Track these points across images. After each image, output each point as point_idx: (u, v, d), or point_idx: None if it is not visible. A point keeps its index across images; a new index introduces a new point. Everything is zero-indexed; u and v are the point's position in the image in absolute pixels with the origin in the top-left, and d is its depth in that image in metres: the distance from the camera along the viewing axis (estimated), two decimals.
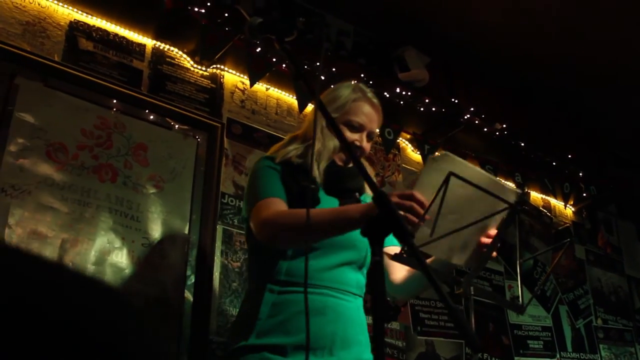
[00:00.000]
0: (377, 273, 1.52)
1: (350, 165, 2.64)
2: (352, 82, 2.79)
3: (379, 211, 1.59)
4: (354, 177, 2.61)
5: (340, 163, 2.61)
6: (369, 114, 2.65)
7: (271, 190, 2.44)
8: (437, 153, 4.55)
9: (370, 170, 2.74)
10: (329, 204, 2.46)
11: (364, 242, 2.44)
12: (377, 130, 2.75)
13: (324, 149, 2.56)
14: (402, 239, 1.59)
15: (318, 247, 2.38)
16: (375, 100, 2.71)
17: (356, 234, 2.41)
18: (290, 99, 4.38)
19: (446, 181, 1.87)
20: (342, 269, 2.42)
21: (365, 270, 2.54)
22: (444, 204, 1.88)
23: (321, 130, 2.58)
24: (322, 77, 4.17)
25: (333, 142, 2.57)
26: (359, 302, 2.49)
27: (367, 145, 2.66)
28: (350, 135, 2.59)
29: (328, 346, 2.28)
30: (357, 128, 2.61)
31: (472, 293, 2.20)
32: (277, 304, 2.33)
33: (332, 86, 2.84)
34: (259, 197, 2.43)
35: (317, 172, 2.52)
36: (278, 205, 2.39)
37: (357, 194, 2.63)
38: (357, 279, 2.49)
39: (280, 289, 2.36)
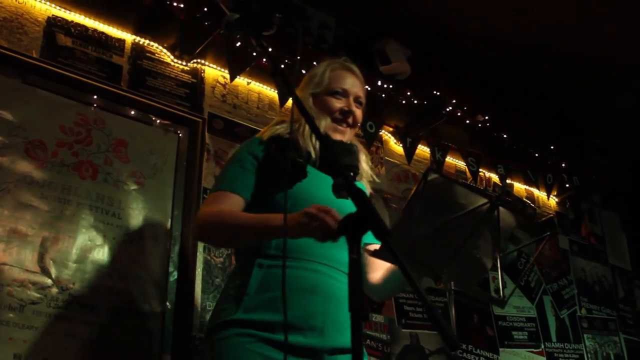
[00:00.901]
0: (354, 272, 1.51)
1: (348, 141, 2.62)
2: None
3: (357, 209, 1.58)
4: (348, 153, 2.57)
5: (338, 137, 2.57)
6: (349, 80, 2.64)
7: (231, 183, 2.41)
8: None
9: (364, 154, 2.72)
10: (317, 179, 2.42)
11: None
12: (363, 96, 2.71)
13: (317, 123, 2.51)
14: (380, 237, 1.58)
15: None
16: (353, 67, 2.69)
17: (345, 208, 2.40)
18: (271, 92, 4.37)
19: (424, 177, 1.87)
20: (333, 245, 2.26)
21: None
22: (427, 213, 1.87)
23: (310, 106, 2.57)
24: (303, 71, 4.15)
25: (324, 119, 2.56)
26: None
27: (358, 112, 2.63)
28: (337, 103, 2.57)
29: (319, 327, 2.22)
30: (342, 93, 2.59)
31: (453, 287, 2.20)
32: (266, 279, 2.25)
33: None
34: (216, 187, 2.47)
35: (311, 147, 2.48)
36: (228, 201, 2.37)
37: (351, 173, 2.57)
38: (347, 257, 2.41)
39: (269, 263, 2.28)
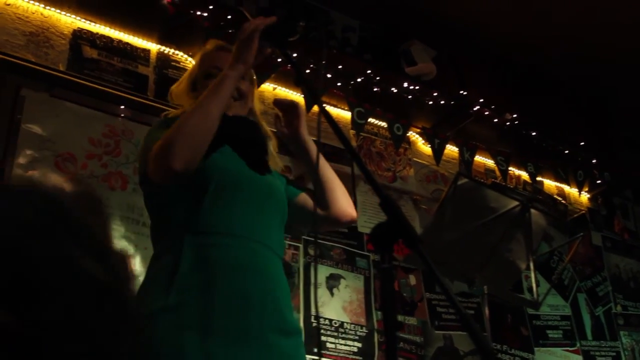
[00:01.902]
0: (387, 282, 1.50)
1: (248, 116, 2.42)
2: None
3: (387, 217, 1.56)
4: (246, 129, 2.35)
5: (233, 112, 2.34)
6: (219, 54, 2.44)
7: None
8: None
9: (272, 139, 2.47)
10: (227, 154, 2.23)
11: (281, 193, 2.31)
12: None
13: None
14: (411, 245, 1.56)
15: (234, 193, 2.15)
16: (222, 44, 2.50)
17: (273, 183, 2.30)
18: (298, 97, 4.36)
19: (454, 182, 1.85)
20: (266, 222, 2.20)
21: (282, 228, 2.32)
22: (458, 218, 1.86)
23: (191, 88, 2.42)
24: (329, 75, 4.15)
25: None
26: (281, 264, 2.24)
27: (244, 85, 2.38)
28: None
29: (259, 306, 2.03)
30: (215, 72, 2.33)
31: (486, 292, 2.18)
32: (199, 258, 2.03)
33: None
34: (150, 147, 2.11)
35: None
36: None
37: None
38: (280, 237, 2.28)
39: (201, 240, 2.06)
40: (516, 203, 2.07)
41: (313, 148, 2.39)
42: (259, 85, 4.02)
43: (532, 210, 2.11)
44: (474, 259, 2.17)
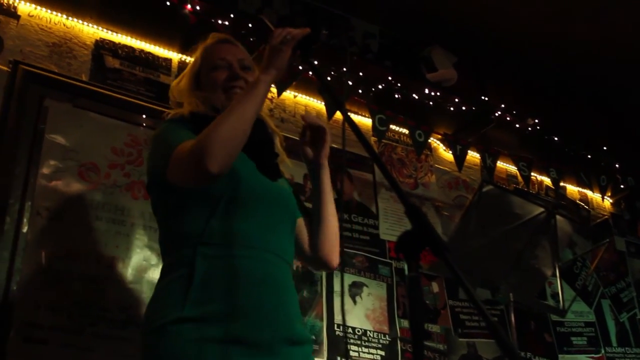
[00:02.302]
0: (414, 289, 1.49)
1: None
2: None
3: (412, 225, 1.56)
4: (258, 127, 2.29)
5: None
6: (225, 47, 2.46)
7: (185, 136, 2.13)
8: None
9: (278, 136, 2.48)
10: (242, 162, 2.20)
11: (292, 199, 2.32)
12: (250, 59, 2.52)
13: (213, 99, 2.35)
14: (438, 254, 1.55)
15: (248, 202, 2.14)
16: (226, 37, 2.54)
17: (284, 190, 2.31)
18: (319, 104, 4.37)
19: (479, 189, 1.85)
20: (279, 231, 2.21)
21: (294, 234, 2.34)
22: (483, 225, 1.85)
23: (194, 84, 2.43)
24: (350, 83, 4.16)
25: (217, 96, 2.36)
26: (290, 272, 2.25)
27: (248, 76, 2.40)
28: (221, 75, 2.37)
29: (272, 318, 2.04)
30: (223, 64, 2.39)
31: (512, 299, 2.16)
32: (212, 270, 2.03)
33: None
34: (173, 147, 2.09)
35: None
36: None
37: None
38: (290, 245, 2.29)
39: (214, 252, 2.06)
40: (541, 209, 2.06)
41: (327, 179, 2.41)
42: (280, 94, 4.04)
43: (558, 217, 2.09)
44: (500, 266, 2.16)
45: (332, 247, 2.43)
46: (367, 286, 4.06)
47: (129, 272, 3.24)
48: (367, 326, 3.94)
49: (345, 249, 4.08)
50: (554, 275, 2.21)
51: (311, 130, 2.38)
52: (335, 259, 2.45)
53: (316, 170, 2.39)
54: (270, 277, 2.11)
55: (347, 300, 3.95)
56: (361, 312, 3.97)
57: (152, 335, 2.02)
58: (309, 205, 2.55)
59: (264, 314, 2.02)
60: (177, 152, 2.06)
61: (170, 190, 2.14)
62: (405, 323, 4.07)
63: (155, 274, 3.28)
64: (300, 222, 2.47)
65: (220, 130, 1.97)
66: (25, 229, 3.06)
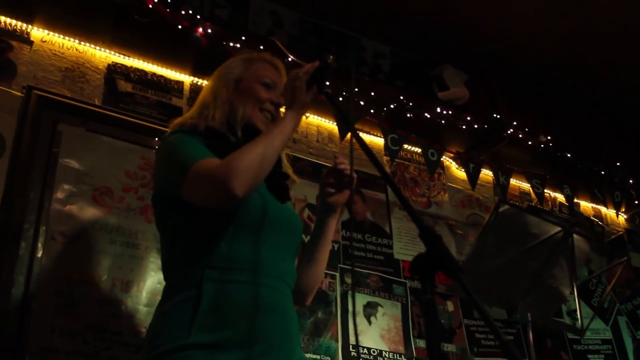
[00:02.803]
0: (430, 312, 1.48)
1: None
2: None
3: (427, 248, 1.55)
4: None
5: (263, 128, 2.33)
6: (277, 74, 2.46)
7: (202, 153, 2.10)
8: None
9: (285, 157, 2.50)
10: None
11: (299, 224, 2.32)
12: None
13: (241, 109, 2.33)
14: (452, 276, 1.55)
15: (257, 227, 2.12)
16: (277, 61, 2.53)
17: (291, 216, 2.30)
18: (330, 125, 4.37)
19: (496, 209, 1.84)
20: (285, 256, 2.21)
21: (296, 257, 2.33)
22: (500, 245, 1.84)
23: (230, 92, 2.39)
24: (362, 103, 4.16)
25: (248, 105, 2.35)
26: (291, 295, 2.23)
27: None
28: (265, 93, 2.37)
29: (277, 344, 2.02)
30: (271, 85, 2.39)
31: (530, 319, 2.15)
32: (220, 295, 2.00)
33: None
34: (189, 163, 2.04)
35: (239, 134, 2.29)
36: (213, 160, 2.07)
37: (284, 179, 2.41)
38: (293, 267, 2.29)
39: (221, 277, 2.03)
40: (558, 229, 2.05)
41: (333, 226, 2.41)
42: None
43: (575, 235, 2.08)
44: (517, 286, 2.14)
45: (311, 288, 2.43)
46: (381, 306, 4.04)
47: (143, 296, 3.24)
48: (383, 346, 3.92)
49: (359, 269, 4.07)
50: (572, 293, 2.19)
51: (337, 173, 2.36)
52: (309, 299, 2.46)
53: (327, 213, 2.38)
54: (279, 303, 2.11)
55: (362, 320, 3.93)
56: (376, 332, 3.95)
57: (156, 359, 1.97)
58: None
59: (270, 341, 2.01)
60: (195, 169, 2.02)
61: (179, 206, 2.10)
62: (421, 343, 4.04)
63: None
64: None
65: (250, 157, 1.97)
66: (39, 254, 3.07)
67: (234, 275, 2.04)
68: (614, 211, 5.64)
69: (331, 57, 2.13)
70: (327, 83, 2.20)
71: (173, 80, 3.91)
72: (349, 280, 3.96)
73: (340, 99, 3.99)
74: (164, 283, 3.22)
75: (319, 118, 4.34)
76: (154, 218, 2.30)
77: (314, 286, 2.44)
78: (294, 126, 2.13)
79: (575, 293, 2.17)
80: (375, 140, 4.53)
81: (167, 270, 2.22)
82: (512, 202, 4.68)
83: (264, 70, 2.43)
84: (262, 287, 2.07)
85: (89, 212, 3.26)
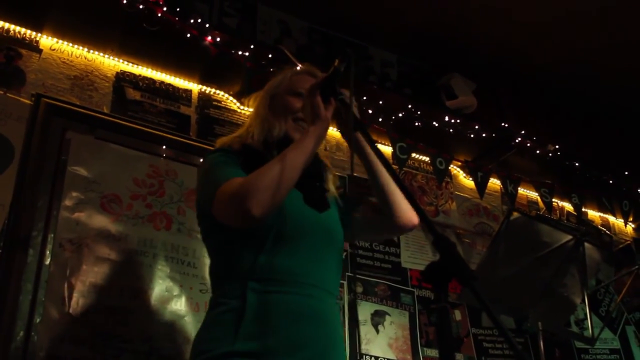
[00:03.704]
0: (443, 320, 1.47)
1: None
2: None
3: (440, 255, 1.54)
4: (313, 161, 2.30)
5: (297, 136, 2.31)
6: (307, 80, 2.40)
7: (232, 173, 2.14)
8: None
9: (329, 170, 2.48)
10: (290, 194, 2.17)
11: (338, 230, 2.30)
12: None
13: (276, 124, 2.34)
14: (465, 283, 1.54)
15: (294, 238, 2.15)
16: (312, 68, 2.51)
17: (331, 220, 2.30)
18: (337, 134, 4.36)
19: (507, 217, 1.83)
20: (326, 264, 2.22)
21: (340, 265, 2.33)
22: (511, 253, 1.83)
23: (268, 105, 2.42)
24: (370, 111, 4.16)
25: (283, 120, 2.35)
26: (336, 304, 2.26)
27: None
28: (298, 103, 2.35)
29: (321, 352, 2.05)
30: (302, 92, 2.34)
31: (541, 328, 2.14)
32: (262, 305, 2.04)
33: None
34: (219, 183, 2.10)
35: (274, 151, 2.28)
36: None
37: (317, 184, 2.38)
38: (337, 277, 2.29)
39: (263, 288, 2.07)
40: (570, 237, 2.04)
41: (366, 148, 2.36)
42: None
43: (586, 244, 2.07)
44: (528, 294, 2.13)
45: (405, 204, 2.40)
46: (389, 315, 4.03)
47: (151, 303, 3.23)
48: (390, 355, 3.91)
49: (367, 278, 4.07)
50: (583, 303, 2.18)
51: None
52: (413, 214, 2.42)
53: (350, 141, 2.36)
54: (321, 313, 2.13)
55: (370, 329, 3.92)
56: (384, 341, 3.94)
57: None
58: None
59: (312, 350, 2.03)
60: (221, 190, 2.06)
61: (218, 225, 2.14)
62: (429, 352, 4.03)
63: (177, 304, 3.28)
64: (364, 208, 2.49)
65: (268, 176, 1.99)
66: (48, 261, 3.07)
67: (275, 286, 2.07)
68: (622, 220, 5.62)
69: (337, 60, 2.09)
70: (341, 90, 2.19)
71: (181, 89, 3.91)
72: (359, 289, 3.96)
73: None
74: (172, 291, 3.25)
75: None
76: (201, 234, 2.36)
77: (404, 200, 2.39)
78: (315, 142, 2.10)
79: (586, 302, 2.16)
80: (383, 149, 4.52)
81: (213, 283, 2.26)
82: (524, 211, 4.67)
83: (297, 82, 2.41)
84: (301, 296, 2.10)
85: (97, 220, 3.26)
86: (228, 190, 2.03)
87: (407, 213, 2.40)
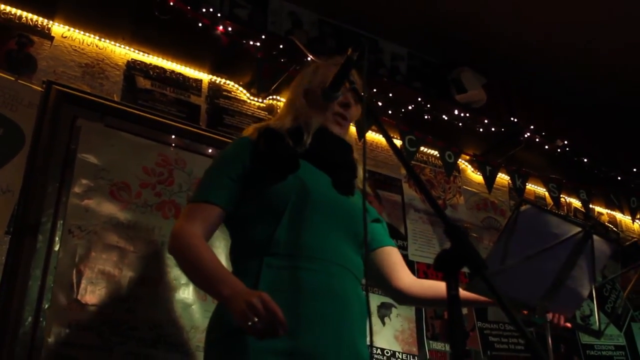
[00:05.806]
0: (454, 308, 1.48)
1: (345, 136, 2.46)
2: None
3: (452, 243, 1.55)
4: (343, 150, 2.40)
5: (337, 131, 2.40)
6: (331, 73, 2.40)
7: (212, 193, 2.24)
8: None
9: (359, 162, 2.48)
10: (311, 172, 2.27)
11: (357, 214, 2.27)
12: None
13: (312, 116, 2.38)
14: (476, 271, 1.54)
15: (313, 213, 2.18)
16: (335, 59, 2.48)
17: (354, 206, 2.31)
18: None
19: (517, 208, 1.83)
20: (345, 244, 2.22)
21: (362, 255, 2.31)
22: (520, 245, 1.83)
23: (303, 96, 2.45)
24: (380, 103, 4.16)
25: (320, 113, 2.39)
26: (359, 287, 2.26)
27: (354, 107, 2.45)
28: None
29: (336, 331, 2.06)
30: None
31: (548, 320, 2.14)
32: (277, 281, 2.06)
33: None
34: (197, 197, 2.27)
35: (306, 139, 2.33)
36: (204, 214, 2.21)
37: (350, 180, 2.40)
38: (359, 261, 2.28)
39: (279, 263, 2.10)
40: (579, 229, 2.04)
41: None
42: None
43: (595, 237, 2.07)
44: (537, 286, 2.14)
45: (407, 304, 2.61)
46: (395, 307, 4.03)
47: (159, 291, 3.24)
48: (396, 347, 3.91)
49: None
50: (590, 296, 2.18)
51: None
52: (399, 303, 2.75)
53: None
54: (335, 290, 2.13)
55: (376, 321, 3.93)
56: (390, 333, 3.94)
57: (214, 343, 2.11)
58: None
59: (329, 328, 2.04)
60: (185, 209, 2.30)
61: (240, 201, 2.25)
62: (435, 345, 4.04)
63: (185, 293, 3.28)
64: (392, 252, 2.55)
65: (183, 259, 2.19)
66: (57, 248, 3.08)
67: (291, 262, 2.10)
68: (630, 217, 5.62)
69: (350, 49, 2.10)
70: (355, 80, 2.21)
71: (192, 78, 3.92)
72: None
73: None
74: (179, 279, 3.26)
75: None
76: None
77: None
78: (208, 292, 2.28)
79: (594, 295, 2.16)
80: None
81: (232, 259, 2.31)
82: (534, 202, 4.67)
83: (329, 74, 2.36)
84: (318, 273, 2.11)
85: (107, 207, 3.27)
86: (181, 217, 2.25)
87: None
